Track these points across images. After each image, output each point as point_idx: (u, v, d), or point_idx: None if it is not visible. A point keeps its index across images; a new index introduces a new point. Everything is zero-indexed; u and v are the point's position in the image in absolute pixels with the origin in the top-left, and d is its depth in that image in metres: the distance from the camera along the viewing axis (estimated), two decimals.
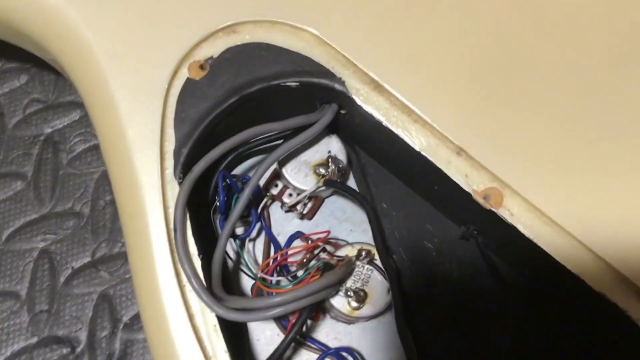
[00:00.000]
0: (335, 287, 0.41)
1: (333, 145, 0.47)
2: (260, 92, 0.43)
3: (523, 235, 0.41)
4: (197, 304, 0.39)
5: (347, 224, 0.49)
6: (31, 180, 0.59)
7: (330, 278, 0.38)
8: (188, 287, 0.39)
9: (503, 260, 0.47)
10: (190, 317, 0.38)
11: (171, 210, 0.40)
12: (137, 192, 0.40)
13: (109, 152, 0.41)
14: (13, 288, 0.56)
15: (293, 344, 0.45)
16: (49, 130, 0.60)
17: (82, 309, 0.54)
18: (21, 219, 0.58)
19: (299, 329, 0.39)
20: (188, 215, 0.40)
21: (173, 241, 0.39)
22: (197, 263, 0.39)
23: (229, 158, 0.47)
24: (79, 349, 0.53)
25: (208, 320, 0.39)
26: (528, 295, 0.46)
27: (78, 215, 0.58)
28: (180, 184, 0.40)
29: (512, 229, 0.41)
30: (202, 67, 0.42)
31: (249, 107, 0.43)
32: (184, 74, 0.42)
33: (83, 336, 0.53)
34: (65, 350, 0.53)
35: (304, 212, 0.47)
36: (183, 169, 0.41)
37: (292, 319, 0.40)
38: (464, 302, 0.46)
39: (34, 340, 0.54)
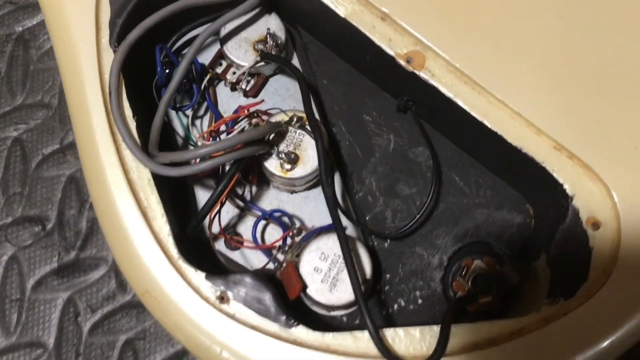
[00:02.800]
0: (264, 145, 0.43)
1: (272, 23, 0.49)
2: None
3: (444, 96, 0.43)
4: (133, 161, 0.42)
5: (290, 101, 0.51)
6: (4, 75, 0.62)
7: (253, 132, 0.41)
8: (123, 146, 0.42)
9: (437, 129, 0.48)
10: (126, 172, 0.42)
11: (107, 77, 0.42)
12: (75, 60, 0.43)
13: (51, 25, 0.44)
14: None
15: (239, 211, 0.48)
16: (20, 29, 0.63)
17: (51, 190, 0.59)
18: None
19: (227, 182, 0.42)
20: (124, 82, 0.43)
21: (109, 104, 0.42)
22: (132, 124, 0.42)
23: (173, 38, 0.50)
24: (49, 227, 0.57)
25: (142, 174, 0.42)
26: (459, 161, 0.48)
27: (47, 106, 0.61)
28: (115, 51, 0.43)
29: (434, 90, 0.43)
30: None
31: None
32: None
33: (53, 215, 0.57)
34: (36, 228, 0.57)
35: (247, 88, 0.50)
36: (118, 38, 0.43)
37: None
38: (400, 169, 0.48)
39: (9, 220, 0.58)
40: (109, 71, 0.42)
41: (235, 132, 0.45)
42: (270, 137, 0.43)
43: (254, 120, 0.45)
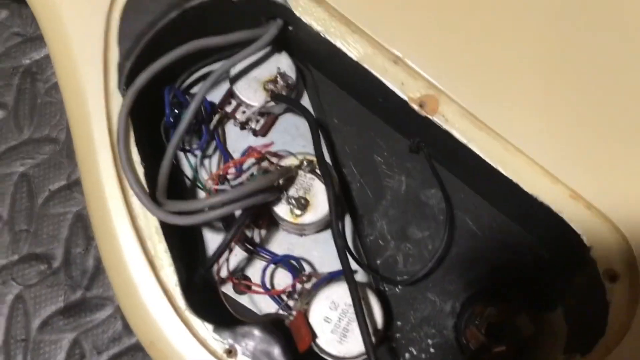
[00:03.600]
0: (273, 191, 0.42)
1: (282, 62, 0.48)
2: (202, 6, 0.44)
3: (458, 141, 0.42)
4: (140, 208, 0.41)
5: (300, 140, 0.50)
6: (11, 109, 0.62)
7: (263, 180, 0.40)
8: (131, 192, 0.41)
9: (449, 170, 0.47)
10: (133, 220, 0.41)
11: (114, 121, 0.42)
12: (83, 103, 0.42)
13: (58, 66, 0.43)
14: None
15: (248, 254, 0.47)
16: (27, 61, 0.63)
17: (58, 228, 0.58)
18: (2, 146, 0.62)
19: (237, 230, 0.41)
20: (132, 126, 0.42)
21: (116, 149, 0.41)
22: (140, 170, 0.42)
23: (183, 77, 0.49)
24: (55, 265, 0.56)
25: (150, 222, 0.41)
26: (472, 204, 0.47)
27: (54, 141, 0.61)
28: (123, 96, 0.42)
29: (448, 135, 0.42)
30: None
31: (193, 23, 0.45)
32: None
33: (59, 253, 0.57)
34: (42, 267, 0.56)
35: (257, 128, 0.49)
36: (126, 81, 0.42)
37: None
38: (411, 212, 0.47)
39: (15, 257, 0.57)
40: (116, 115, 0.42)
41: (244, 177, 0.44)
42: (280, 182, 0.43)
43: (263, 164, 0.44)
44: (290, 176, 0.43)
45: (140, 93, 0.42)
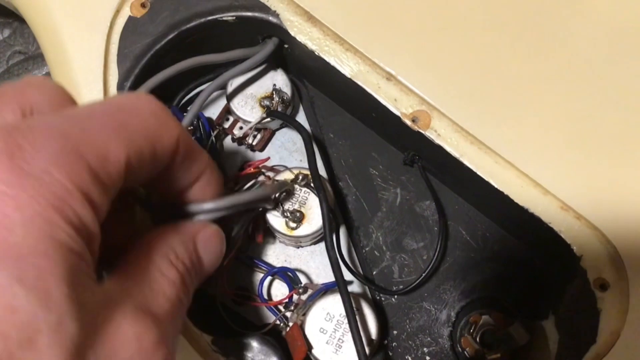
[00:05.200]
0: (268, 201, 0.43)
1: (278, 79, 0.49)
2: (198, 28, 0.45)
3: (450, 155, 0.43)
4: None
5: (296, 155, 0.51)
6: None
7: (257, 192, 0.41)
8: None
9: (443, 182, 0.49)
10: None
11: None
12: None
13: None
14: None
15: (246, 265, 0.48)
16: None
17: None
18: None
19: (233, 244, 0.42)
20: None
21: None
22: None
23: (180, 94, 0.50)
24: None
25: None
26: (466, 215, 0.48)
27: None
28: None
29: (440, 149, 0.43)
30: (143, 5, 0.45)
31: (191, 44, 0.46)
32: (126, 12, 0.45)
33: None
34: None
35: (254, 143, 0.50)
36: None
37: None
38: (407, 223, 0.48)
39: None
40: None
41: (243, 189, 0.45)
42: (278, 196, 0.43)
43: (260, 178, 0.45)
44: (287, 190, 0.44)
45: None
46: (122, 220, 0.32)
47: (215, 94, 0.52)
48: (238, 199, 0.37)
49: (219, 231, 0.34)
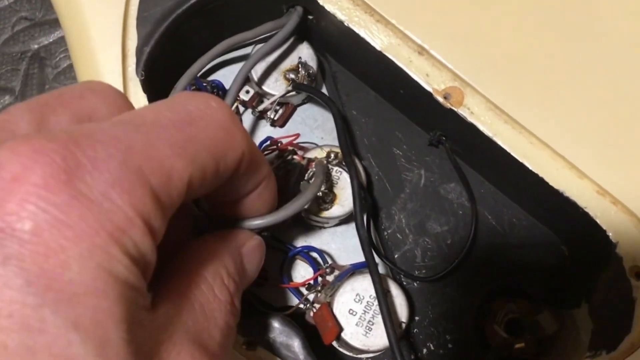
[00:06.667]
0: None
1: (304, 52, 0.47)
2: None
3: (483, 134, 0.41)
4: None
5: (318, 132, 0.49)
6: (19, 94, 0.60)
7: (314, 189, 0.38)
8: None
9: (469, 165, 0.47)
10: None
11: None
12: None
13: (75, 50, 0.42)
14: None
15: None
16: (36, 46, 0.61)
17: None
18: None
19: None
20: None
21: None
22: None
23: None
24: None
25: None
26: (492, 199, 0.47)
27: None
28: (142, 80, 0.41)
29: (473, 128, 0.41)
30: None
31: (212, 10, 0.44)
32: None
33: None
34: None
35: (275, 118, 0.48)
36: (145, 66, 0.41)
37: None
38: (430, 206, 0.47)
39: None
40: (134, 101, 0.40)
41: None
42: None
43: (290, 157, 0.43)
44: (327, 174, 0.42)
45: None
46: (177, 229, 0.29)
47: (234, 63, 0.50)
48: (292, 209, 0.35)
49: (262, 243, 0.32)
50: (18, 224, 0.19)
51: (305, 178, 0.42)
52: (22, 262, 0.19)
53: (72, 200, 0.20)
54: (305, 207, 0.39)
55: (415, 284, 0.46)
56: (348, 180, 0.42)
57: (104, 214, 0.20)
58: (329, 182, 0.43)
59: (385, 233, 0.47)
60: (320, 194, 0.42)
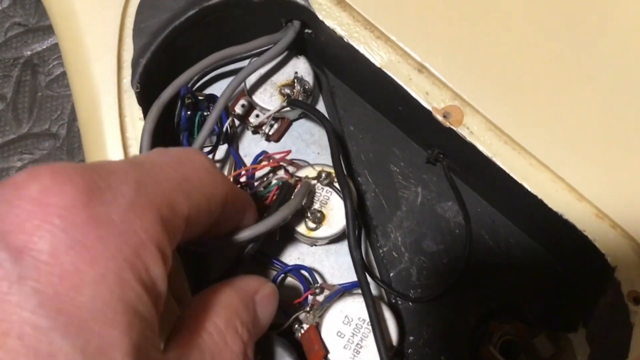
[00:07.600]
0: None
1: (300, 67, 0.47)
2: (221, 5, 0.42)
3: (482, 154, 0.41)
4: None
5: (314, 147, 0.49)
6: (10, 101, 0.59)
7: (292, 205, 0.38)
8: None
9: (467, 183, 0.46)
10: None
11: (127, 120, 0.40)
12: (94, 100, 0.40)
13: (69, 59, 0.41)
14: None
15: (256, 262, 0.46)
16: (29, 53, 0.60)
17: None
18: None
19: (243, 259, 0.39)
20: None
21: (128, 150, 0.39)
22: None
23: (194, 78, 0.47)
24: None
25: None
26: (489, 219, 0.46)
27: (54, 136, 0.58)
28: (137, 93, 0.40)
29: (472, 148, 0.41)
30: None
31: (211, 22, 0.43)
32: None
33: None
34: None
35: (270, 133, 0.47)
36: (141, 78, 0.41)
37: None
38: (427, 224, 0.46)
39: None
40: (129, 114, 0.40)
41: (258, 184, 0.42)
42: (304, 203, 0.41)
43: (279, 172, 0.43)
44: (310, 192, 0.41)
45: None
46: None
47: (229, 76, 0.49)
48: (272, 222, 0.36)
49: (276, 290, 0.33)
50: (36, 243, 0.19)
51: (293, 197, 0.42)
52: (37, 282, 0.19)
53: (91, 221, 0.20)
54: (280, 224, 0.38)
55: (409, 304, 0.45)
56: (338, 201, 0.42)
57: (121, 237, 0.21)
58: (319, 201, 0.42)
59: (381, 251, 0.46)
60: (309, 214, 0.42)
